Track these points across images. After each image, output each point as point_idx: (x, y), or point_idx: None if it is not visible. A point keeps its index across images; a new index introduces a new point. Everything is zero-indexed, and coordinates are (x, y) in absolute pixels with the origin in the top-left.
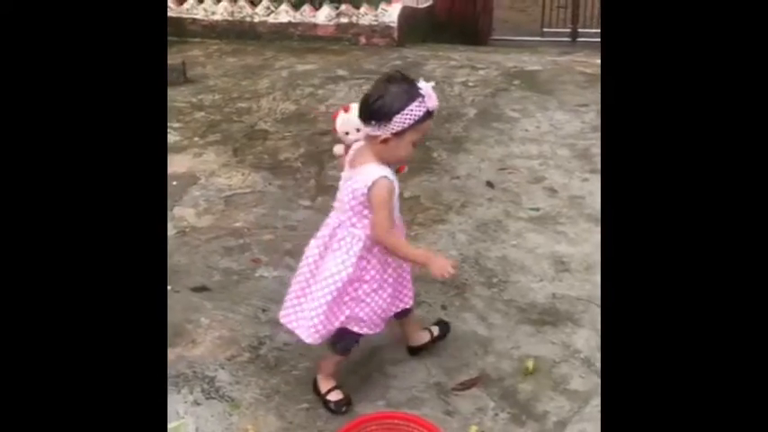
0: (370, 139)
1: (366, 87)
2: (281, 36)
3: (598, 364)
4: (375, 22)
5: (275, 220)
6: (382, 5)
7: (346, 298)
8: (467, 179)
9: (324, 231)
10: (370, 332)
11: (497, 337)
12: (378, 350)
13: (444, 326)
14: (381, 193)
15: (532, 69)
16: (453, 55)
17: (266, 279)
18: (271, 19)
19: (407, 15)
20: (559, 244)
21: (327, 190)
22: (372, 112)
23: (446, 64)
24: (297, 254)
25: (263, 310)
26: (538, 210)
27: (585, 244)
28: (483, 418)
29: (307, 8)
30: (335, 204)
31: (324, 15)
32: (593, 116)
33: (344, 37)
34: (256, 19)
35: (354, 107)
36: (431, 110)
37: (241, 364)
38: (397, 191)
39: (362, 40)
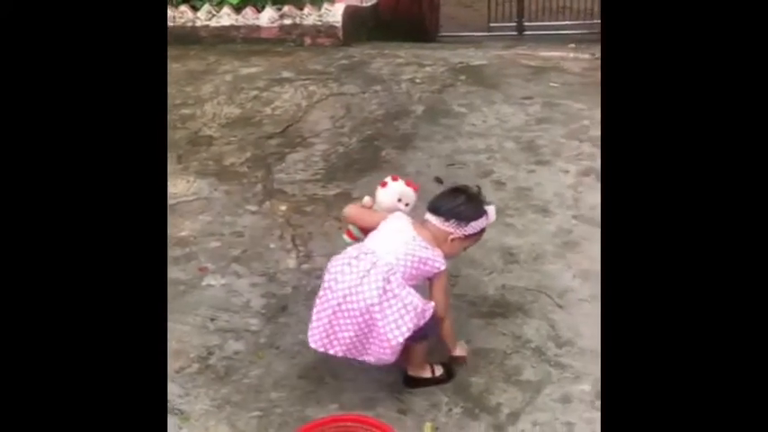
0: (437, 231)
1: (312, 88)
2: (223, 39)
3: (549, 353)
4: (319, 22)
5: (222, 227)
6: (326, 5)
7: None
8: (416, 177)
9: (365, 264)
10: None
11: None
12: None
13: (449, 371)
14: (445, 277)
15: (478, 64)
16: (399, 53)
17: (214, 287)
18: (213, 23)
19: (352, 14)
20: (508, 236)
21: (275, 194)
22: (456, 213)
23: (392, 62)
24: (244, 260)
25: (212, 320)
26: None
27: (533, 235)
28: (437, 415)
29: (249, 11)
30: (378, 241)
31: (267, 17)
32: (537, 108)
33: (289, 38)
34: (198, 23)
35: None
36: (483, 228)
37: (190, 375)
38: None
39: (307, 40)
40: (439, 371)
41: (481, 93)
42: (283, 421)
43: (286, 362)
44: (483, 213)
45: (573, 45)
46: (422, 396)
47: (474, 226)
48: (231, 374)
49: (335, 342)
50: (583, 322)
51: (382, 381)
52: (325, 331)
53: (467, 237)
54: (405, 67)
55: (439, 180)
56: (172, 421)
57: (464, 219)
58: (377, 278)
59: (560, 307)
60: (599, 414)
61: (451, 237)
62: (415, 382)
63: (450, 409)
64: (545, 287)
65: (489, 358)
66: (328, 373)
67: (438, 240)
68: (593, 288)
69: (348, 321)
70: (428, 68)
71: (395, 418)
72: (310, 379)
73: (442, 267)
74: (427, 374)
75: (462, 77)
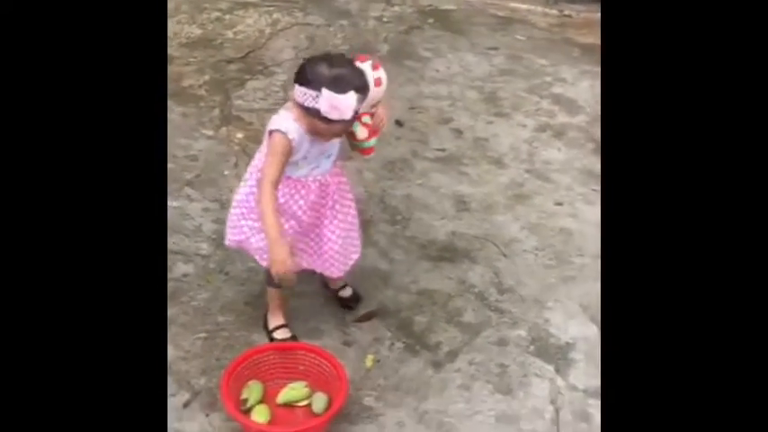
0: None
1: (276, 16)
2: None
3: (491, 299)
4: None
5: (175, 149)
6: None
7: (243, 222)
8: None
9: None
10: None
11: (397, 271)
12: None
13: (356, 297)
14: (274, 143)
15: (446, 9)
16: None
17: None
18: None
19: None
20: (462, 184)
21: (232, 120)
22: (297, 71)
23: None
24: (197, 184)
25: None
26: (443, 150)
27: (486, 185)
28: (380, 348)
29: None
30: None
31: None
32: (501, 60)
33: None
34: None
35: None
36: (321, 113)
37: None
38: (299, 155)
39: None
40: (348, 293)
41: (447, 38)
42: (228, 344)
43: (234, 288)
44: (308, 85)
45: None
46: (366, 330)
47: (298, 93)
48: (179, 296)
49: None
50: (525, 272)
51: (329, 312)
52: None
53: (298, 104)
54: (373, 3)
55: (399, 123)
56: None
57: (295, 78)
58: None
59: (505, 256)
60: (532, 358)
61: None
62: (332, 293)
63: (393, 344)
64: (492, 236)
65: (434, 299)
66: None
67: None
68: (538, 241)
69: None
70: (396, 8)
71: (339, 349)
72: (257, 306)
73: (267, 129)
74: (338, 288)
75: (430, 21)
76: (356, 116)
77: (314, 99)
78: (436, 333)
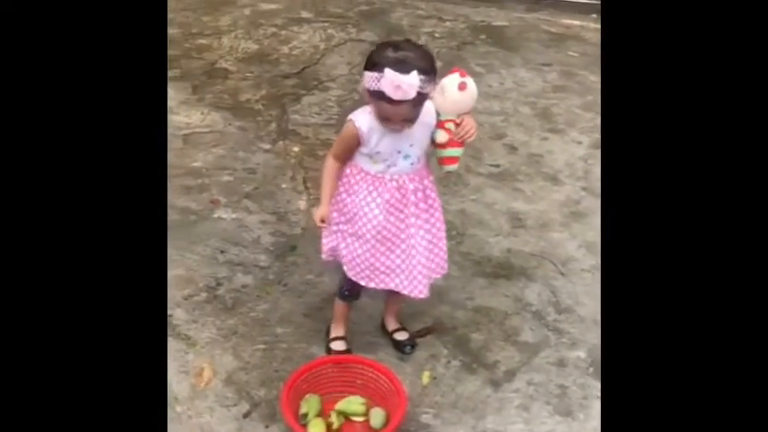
0: None
1: (331, 31)
2: None
3: (548, 318)
4: None
5: (234, 162)
6: None
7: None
8: None
9: None
10: (358, 280)
11: (453, 287)
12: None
13: (411, 344)
14: (344, 129)
15: (499, 25)
16: (420, 4)
17: (224, 221)
18: None
19: None
20: (516, 201)
21: (288, 134)
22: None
23: (413, 13)
24: (255, 197)
25: (222, 251)
26: (498, 166)
27: (541, 202)
28: (436, 365)
29: None
30: None
31: None
32: (555, 76)
33: None
34: None
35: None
36: (383, 92)
37: (198, 303)
38: (370, 147)
39: None
40: (401, 337)
41: (500, 54)
42: (287, 356)
43: (292, 300)
44: (373, 68)
45: (595, 15)
46: (422, 346)
47: (366, 78)
48: (238, 307)
49: None
50: (583, 291)
51: (385, 327)
52: None
53: (367, 90)
54: (425, 19)
55: None
56: (178, 345)
57: (365, 65)
58: None
59: (562, 275)
60: (592, 381)
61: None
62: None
63: (449, 361)
64: (549, 254)
65: (490, 317)
66: (331, 311)
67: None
68: (595, 259)
69: None
70: (448, 23)
71: (395, 364)
72: (315, 318)
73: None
74: (391, 328)
75: (482, 37)
76: (439, 122)
77: (377, 81)
78: (493, 352)
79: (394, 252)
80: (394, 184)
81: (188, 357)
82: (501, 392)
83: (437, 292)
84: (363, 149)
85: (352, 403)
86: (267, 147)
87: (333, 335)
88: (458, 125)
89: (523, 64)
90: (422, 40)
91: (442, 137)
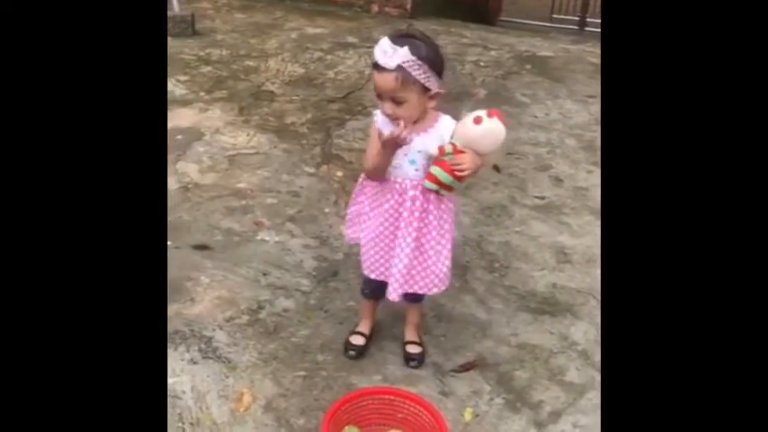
0: None
1: None
2: None
3: (595, 358)
4: None
5: (278, 184)
6: None
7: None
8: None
9: None
10: (366, 273)
11: (496, 321)
12: (378, 325)
13: (419, 358)
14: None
15: (544, 55)
16: (465, 32)
17: (267, 243)
18: None
19: None
20: (562, 234)
21: (332, 158)
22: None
23: (458, 41)
24: (299, 220)
25: (264, 274)
26: (543, 198)
27: (588, 236)
28: (478, 402)
29: None
30: None
31: None
32: (599, 108)
33: (356, 3)
34: None
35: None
36: (376, 61)
37: (240, 326)
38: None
39: (375, 8)
40: (413, 350)
41: (545, 85)
42: (327, 384)
43: (334, 326)
44: (403, 44)
45: None
46: (464, 381)
47: (379, 44)
48: (280, 331)
49: None
50: None
51: (426, 360)
52: None
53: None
54: (470, 47)
55: (497, 168)
56: (218, 368)
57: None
58: None
59: None
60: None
61: None
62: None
63: (492, 399)
64: (596, 291)
65: (535, 354)
66: (374, 345)
67: None
68: None
69: None
70: (493, 53)
71: (436, 399)
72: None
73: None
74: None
75: (528, 67)
76: (450, 146)
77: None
78: (538, 391)
79: (387, 252)
80: (396, 186)
81: (228, 381)
82: None
83: (479, 325)
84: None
85: None
86: (311, 170)
87: (355, 329)
88: (458, 152)
89: (569, 95)
90: (466, 69)
91: (434, 149)
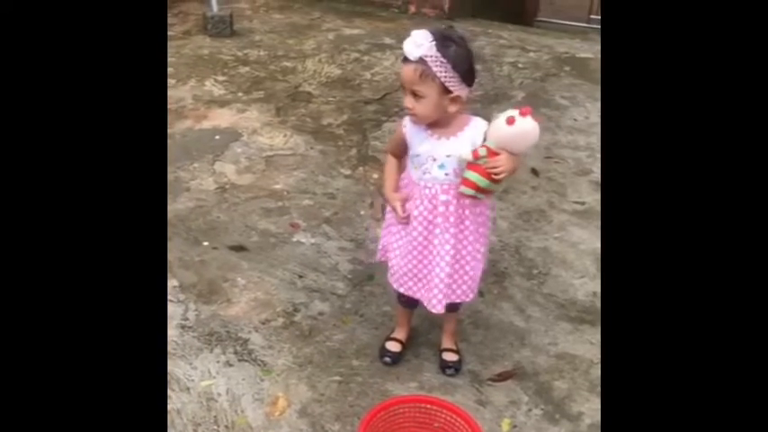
0: None
1: None
2: None
3: None
4: None
5: (315, 186)
6: None
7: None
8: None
9: None
10: (395, 287)
11: (535, 330)
12: (413, 331)
13: (456, 366)
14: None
15: (584, 57)
16: (503, 33)
17: (304, 245)
18: None
19: None
20: None
21: (368, 160)
22: None
23: (495, 42)
24: (335, 222)
25: (300, 277)
26: (583, 203)
27: None
28: (516, 412)
29: None
30: None
31: None
32: None
33: (394, 4)
34: None
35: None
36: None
37: (275, 329)
38: (413, 149)
39: (412, 8)
40: (450, 358)
41: (585, 87)
42: (362, 391)
43: (369, 331)
44: (431, 40)
45: None
46: (502, 391)
47: (410, 36)
48: (315, 335)
49: None
50: None
51: (463, 368)
52: None
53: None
54: (508, 49)
55: (535, 172)
56: (254, 371)
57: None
58: None
59: None
60: None
61: None
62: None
63: (530, 410)
64: None
65: (574, 364)
66: (409, 351)
67: None
68: None
69: None
70: (532, 54)
71: (472, 408)
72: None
73: None
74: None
75: (567, 68)
76: (484, 149)
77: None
78: (577, 402)
79: (421, 262)
80: (427, 192)
81: (263, 385)
82: None
83: (518, 334)
84: (410, 152)
85: None
86: (347, 172)
87: (391, 335)
88: (492, 154)
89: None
90: (504, 70)
91: (467, 154)
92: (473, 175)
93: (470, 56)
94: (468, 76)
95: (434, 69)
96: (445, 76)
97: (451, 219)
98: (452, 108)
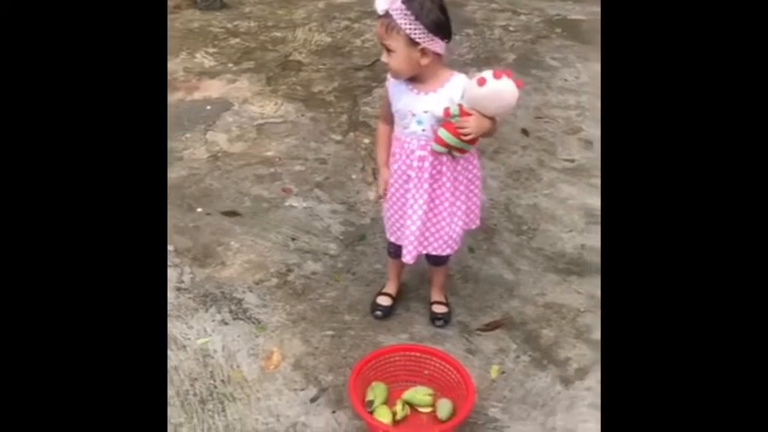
0: None
1: None
2: None
3: None
4: None
5: (306, 152)
6: None
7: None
8: (501, 125)
9: None
10: (387, 235)
11: (523, 282)
12: (404, 286)
13: (446, 317)
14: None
15: (575, 18)
16: None
17: (296, 209)
18: None
19: None
20: (591, 197)
21: (359, 126)
22: None
23: (487, 6)
24: (326, 186)
25: (293, 239)
26: (572, 161)
27: None
28: (505, 359)
29: None
30: None
31: None
32: None
33: None
34: None
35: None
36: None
37: (269, 288)
38: (394, 105)
39: None
40: (440, 309)
41: (576, 48)
42: (355, 343)
43: (361, 288)
44: None
45: None
46: (491, 340)
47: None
48: (308, 293)
49: None
50: None
51: (453, 319)
52: None
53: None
54: (499, 13)
55: (525, 132)
56: (248, 329)
57: None
58: None
59: None
60: None
61: None
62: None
63: (518, 357)
64: None
65: (562, 313)
66: (400, 305)
67: None
68: None
69: None
70: (523, 17)
71: (462, 357)
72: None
73: None
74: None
75: (558, 30)
76: (457, 108)
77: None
78: (564, 349)
79: (397, 213)
80: (405, 146)
81: (258, 341)
82: (572, 390)
83: (506, 286)
84: (392, 107)
85: (419, 393)
86: (338, 138)
87: (383, 290)
88: (465, 113)
89: (600, 58)
90: (495, 34)
91: (440, 111)
92: (444, 133)
93: (438, 8)
94: (435, 28)
95: (399, 22)
96: (410, 28)
97: (425, 174)
98: (424, 61)
